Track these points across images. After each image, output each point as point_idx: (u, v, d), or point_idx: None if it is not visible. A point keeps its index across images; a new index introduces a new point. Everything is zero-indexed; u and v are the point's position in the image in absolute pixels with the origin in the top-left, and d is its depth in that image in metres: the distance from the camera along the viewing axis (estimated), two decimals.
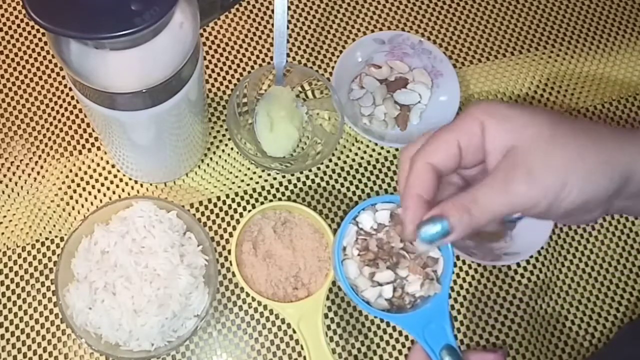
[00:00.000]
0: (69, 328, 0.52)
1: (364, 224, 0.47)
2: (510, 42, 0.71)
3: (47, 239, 0.60)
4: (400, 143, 0.63)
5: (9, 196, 0.61)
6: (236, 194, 0.62)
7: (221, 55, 0.68)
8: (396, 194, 0.63)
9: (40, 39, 0.67)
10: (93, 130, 0.63)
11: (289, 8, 0.70)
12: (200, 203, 0.62)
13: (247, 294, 0.59)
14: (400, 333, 0.59)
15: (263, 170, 0.63)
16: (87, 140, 0.63)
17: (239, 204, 0.62)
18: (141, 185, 0.62)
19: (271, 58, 0.68)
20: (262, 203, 0.62)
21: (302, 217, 0.58)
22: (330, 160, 0.64)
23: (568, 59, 0.70)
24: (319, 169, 0.64)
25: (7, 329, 0.57)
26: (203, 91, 0.53)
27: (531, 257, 0.61)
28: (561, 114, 0.37)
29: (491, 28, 0.71)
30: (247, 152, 0.60)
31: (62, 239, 0.60)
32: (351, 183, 0.64)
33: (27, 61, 0.66)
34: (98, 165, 0.62)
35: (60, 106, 0.64)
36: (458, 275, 0.61)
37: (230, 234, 0.61)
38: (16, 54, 0.66)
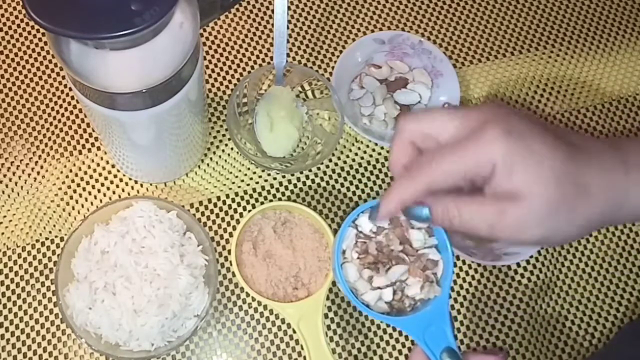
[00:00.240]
0: (69, 328, 0.52)
1: (363, 227, 0.47)
2: (510, 42, 0.71)
3: (47, 239, 0.60)
4: None
5: (9, 196, 0.61)
6: (236, 194, 0.62)
7: (221, 55, 0.68)
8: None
9: (40, 39, 0.67)
10: (93, 130, 0.63)
11: (289, 8, 0.70)
12: (200, 203, 0.62)
13: (247, 294, 0.59)
14: (400, 333, 0.59)
15: (263, 170, 0.63)
16: (87, 140, 0.63)
17: (239, 204, 0.62)
18: (141, 185, 0.62)
19: (271, 58, 0.68)
20: (262, 203, 0.62)
21: (302, 217, 0.58)
22: (330, 160, 0.64)
23: (568, 59, 0.71)
24: (319, 169, 0.64)
25: (7, 329, 0.57)
26: (203, 91, 0.53)
27: (531, 257, 0.61)
28: (569, 154, 0.36)
29: (491, 28, 0.71)
30: (247, 152, 0.60)
31: (62, 239, 0.60)
32: (351, 183, 0.64)
33: (27, 61, 0.66)
34: (98, 165, 0.62)
35: (60, 106, 0.64)
36: (458, 276, 0.61)
37: (230, 234, 0.61)
38: (16, 54, 0.66)
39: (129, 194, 0.62)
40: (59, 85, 0.65)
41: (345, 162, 0.64)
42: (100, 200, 0.61)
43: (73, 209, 0.61)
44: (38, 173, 0.62)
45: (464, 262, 0.61)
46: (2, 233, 0.59)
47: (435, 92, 0.66)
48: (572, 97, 0.69)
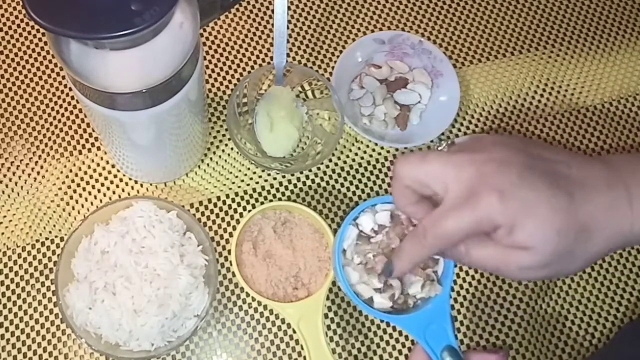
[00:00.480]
0: (69, 328, 0.52)
1: (364, 226, 0.47)
2: (510, 42, 0.71)
3: (47, 239, 0.60)
4: (400, 143, 0.63)
5: (9, 196, 0.61)
6: (236, 194, 0.62)
7: (221, 55, 0.68)
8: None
9: (40, 39, 0.67)
10: (93, 130, 0.63)
11: (289, 8, 0.70)
12: (200, 203, 0.62)
13: (247, 294, 0.59)
14: (400, 333, 0.59)
15: (263, 170, 0.63)
16: (87, 140, 0.63)
17: (239, 204, 0.62)
18: (141, 185, 0.62)
19: (271, 58, 0.68)
20: (262, 203, 0.62)
21: (302, 217, 0.58)
22: (330, 160, 0.64)
23: (568, 59, 0.70)
24: (319, 169, 0.64)
25: (7, 329, 0.57)
26: (203, 91, 0.53)
27: None
28: (569, 201, 0.37)
29: (491, 28, 0.71)
30: (247, 152, 0.60)
31: (62, 239, 0.60)
32: (351, 183, 0.64)
33: (27, 61, 0.66)
34: (98, 165, 0.62)
35: (60, 106, 0.64)
36: (458, 276, 0.61)
37: (230, 234, 0.61)
38: (16, 54, 0.66)
39: (129, 194, 0.62)
40: (59, 85, 0.65)
41: (345, 162, 0.64)
42: (100, 200, 0.61)
43: (73, 209, 0.61)
44: (38, 173, 0.62)
45: None
46: (2, 233, 0.59)
47: (435, 92, 0.66)
48: (572, 96, 0.69)
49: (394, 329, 0.59)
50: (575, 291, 0.61)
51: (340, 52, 0.68)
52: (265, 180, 0.63)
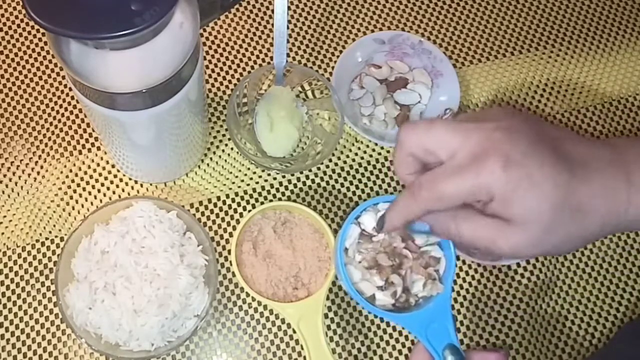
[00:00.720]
0: (69, 328, 0.52)
1: (366, 225, 0.47)
2: (510, 42, 0.71)
3: (47, 239, 0.60)
4: None
5: (9, 196, 0.61)
6: (236, 194, 0.62)
7: (221, 55, 0.68)
8: (397, 194, 0.63)
9: (40, 39, 0.67)
10: (93, 130, 0.63)
11: (289, 8, 0.70)
12: (200, 203, 0.62)
13: (247, 294, 0.59)
14: (400, 333, 0.59)
15: (263, 170, 0.63)
16: (87, 140, 0.63)
17: (239, 204, 0.62)
18: (141, 185, 0.62)
19: (271, 58, 0.68)
20: (262, 203, 0.62)
21: (302, 217, 0.58)
22: (330, 160, 0.64)
23: (568, 59, 0.70)
24: (319, 169, 0.64)
25: (7, 329, 0.57)
26: (203, 91, 0.53)
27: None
28: (569, 177, 0.36)
29: (491, 28, 0.71)
30: (247, 152, 0.60)
31: (62, 239, 0.60)
32: (351, 183, 0.64)
33: (27, 61, 0.66)
34: (98, 165, 0.62)
35: (60, 106, 0.64)
36: (458, 275, 0.61)
37: (230, 234, 0.61)
38: (16, 54, 0.66)
39: (129, 194, 0.62)
40: (59, 85, 0.65)
41: (345, 162, 0.64)
42: (100, 200, 0.61)
43: (73, 209, 0.61)
44: (38, 173, 0.62)
45: (464, 262, 0.61)
46: (2, 233, 0.59)
47: (435, 92, 0.66)
48: (572, 97, 0.69)
49: (394, 329, 0.59)
50: (575, 291, 0.61)
51: (340, 52, 0.68)
52: (265, 180, 0.63)
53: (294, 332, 0.58)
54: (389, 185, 0.64)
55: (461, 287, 0.60)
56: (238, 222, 0.61)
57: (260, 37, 0.69)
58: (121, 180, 0.62)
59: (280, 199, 0.62)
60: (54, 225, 0.60)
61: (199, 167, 0.63)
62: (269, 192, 0.63)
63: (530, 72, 0.69)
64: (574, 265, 0.62)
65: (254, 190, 0.63)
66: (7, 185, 0.61)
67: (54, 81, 0.65)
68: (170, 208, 0.56)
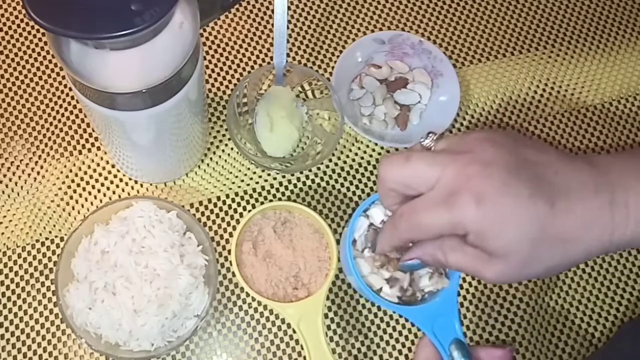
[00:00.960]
0: (69, 328, 0.52)
1: (375, 218, 0.47)
2: (510, 42, 0.71)
3: (47, 239, 0.60)
4: (400, 143, 0.63)
5: (9, 196, 0.61)
6: (236, 194, 0.62)
7: (221, 55, 0.68)
8: None
9: (40, 39, 0.67)
10: (93, 130, 0.63)
11: (289, 8, 0.70)
12: (200, 203, 0.62)
13: (247, 294, 0.59)
14: (400, 333, 0.59)
15: (263, 170, 0.63)
16: (87, 140, 0.63)
17: (239, 204, 0.62)
18: (141, 185, 0.62)
19: (271, 58, 0.68)
20: (262, 203, 0.62)
21: (302, 217, 0.58)
22: (330, 160, 0.64)
23: (568, 59, 0.70)
24: (319, 169, 0.64)
25: (7, 329, 0.57)
26: (203, 91, 0.53)
27: None
28: (547, 209, 0.36)
29: (491, 28, 0.71)
30: (247, 152, 0.60)
31: (62, 239, 0.60)
32: (351, 183, 0.64)
33: (27, 61, 0.66)
34: (98, 165, 0.62)
35: (60, 106, 0.64)
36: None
37: (230, 234, 0.61)
38: (16, 54, 0.66)
39: (129, 194, 0.62)
40: (59, 85, 0.65)
41: (345, 162, 0.64)
42: (100, 200, 0.61)
43: (73, 209, 0.61)
44: (38, 173, 0.62)
45: None
46: (2, 233, 0.59)
47: (435, 92, 0.66)
48: (572, 97, 0.69)
49: (394, 329, 0.59)
50: (576, 291, 0.61)
51: (340, 52, 0.68)
52: (265, 180, 0.63)
53: (294, 332, 0.58)
54: None
55: (461, 286, 0.60)
56: (238, 222, 0.61)
57: (260, 37, 0.69)
58: (121, 180, 0.62)
59: (280, 199, 0.62)
60: (54, 225, 0.60)
61: (199, 167, 0.63)
62: (269, 192, 0.63)
63: (530, 72, 0.69)
64: None
65: (254, 190, 0.63)
66: (7, 185, 0.61)
67: (54, 81, 0.65)
68: (170, 208, 0.56)
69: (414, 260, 0.42)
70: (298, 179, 0.63)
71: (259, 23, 0.69)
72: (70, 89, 0.65)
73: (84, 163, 0.62)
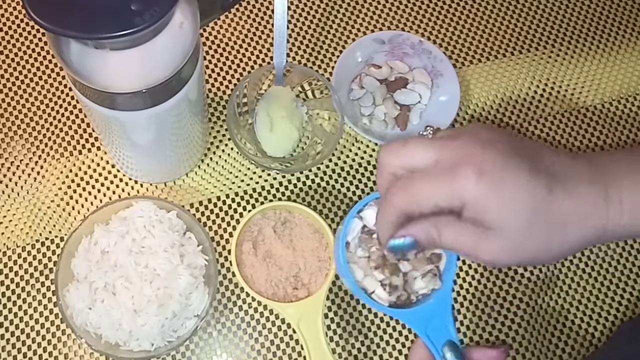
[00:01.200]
0: (69, 328, 0.52)
1: (368, 220, 0.47)
2: (510, 42, 0.71)
3: (47, 239, 0.60)
4: None
5: (9, 196, 0.61)
6: (236, 194, 0.62)
7: (221, 55, 0.68)
8: None
9: (40, 39, 0.67)
10: (93, 130, 0.63)
11: (289, 8, 0.70)
12: (200, 203, 0.62)
13: (247, 294, 0.59)
14: (400, 333, 0.59)
15: (263, 170, 0.63)
16: (87, 140, 0.63)
17: (239, 204, 0.62)
18: (141, 185, 0.62)
19: (271, 58, 0.68)
20: (262, 203, 0.62)
21: (302, 217, 0.58)
22: (330, 160, 0.64)
23: (568, 59, 0.71)
24: (319, 169, 0.64)
25: (7, 329, 0.57)
26: (203, 91, 0.53)
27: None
28: (544, 191, 0.37)
29: (491, 28, 0.71)
30: (247, 152, 0.60)
31: (62, 239, 0.60)
32: (351, 183, 0.64)
33: (27, 61, 0.66)
34: (98, 165, 0.62)
35: (60, 106, 0.64)
36: (458, 275, 0.61)
37: (230, 234, 0.61)
38: (16, 54, 0.66)
39: (129, 194, 0.62)
40: (59, 85, 0.65)
41: (345, 162, 0.64)
42: (100, 200, 0.61)
43: (73, 209, 0.61)
44: (38, 173, 0.62)
45: (464, 261, 0.61)
46: (2, 233, 0.59)
47: (435, 92, 0.66)
48: (572, 97, 0.69)
49: (394, 329, 0.59)
50: (576, 291, 0.61)
51: (340, 52, 0.68)
52: (265, 180, 0.63)
53: (294, 332, 0.58)
54: None
55: (461, 286, 0.60)
56: (238, 222, 0.61)
57: (260, 37, 0.69)
58: (121, 180, 0.62)
59: (280, 199, 0.62)
60: (54, 225, 0.60)
61: (199, 167, 0.63)
62: (269, 192, 0.63)
63: (530, 72, 0.69)
64: (574, 264, 0.62)
65: (254, 190, 0.63)
66: (7, 185, 0.61)
67: (54, 81, 0.65)
68: (170, 208, 0.56)
69: (405, 238, 0.41)
70: (298, 179, 0.63)
71: (259, 23, 0.69)
72: (70, 89, 0.65)
73: (84, 163, 0.62)
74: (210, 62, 0.67)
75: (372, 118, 0.65)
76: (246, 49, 0.68)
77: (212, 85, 0.67)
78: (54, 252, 0.59)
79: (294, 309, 0.54)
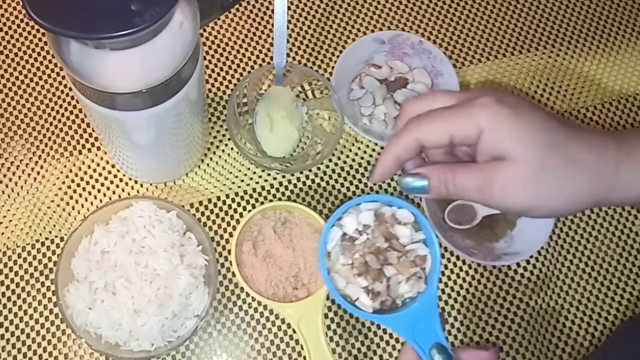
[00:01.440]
0: (69, 328, 0.52)
1: (347, 228, 0.46)
2: (510, 42, 0.71)
3: (47, 239, 0.60)
4: None
5: (9, 196, 0.61)
6: (236, 194, 0.62)
7: (221, 55, 0.68)
8: (396, 194, 0.63)
9: (40, 39, 0.67)
10: (93, 130, 0.63)
11: (289, 8, 0.70)
12: (200, 203, 0.62)
13: (247, 294, 0.59)
14: None
15: (263, 170, 0.63)
16: (87, 140, 0.63)
17: (239, 204, 0.62)
18: (141, 185, 0.62)
19: (271, 58, 0.68)
20: (262, 203, 0.62)
21: (302, 217, 0.58)
22: (330, 160, 0.64)
23: (568, 59, 0.71)
24: (319, 169, 0.64)
25: (7, 329, 0.57)
26: (203, 91, 0.53)
27: (531, 257, 0.61)
28: (559, 127, 0.38)
29: (491, 28, 0.71)
30: (247, 152, 0.60)
31: (62, 239, 0.60)
32: (351, 183, 0.64)
33: (27, 61, 0.66)
34: (98, 165, 0.62)
35: (60, 106, 0.64)
36: (458, 275, 0.61)
37: (230, 234, 0.61)
38: (16, 54, 0.66)
39: (129, 194, 0.62)
40: (59, 85, 0.65)
41: (345, 162, 0.64)
42: (100, 200, 0.61)
43: (73, 209, 0.61)
44: (38, 173, 0.62)
45: (464, 261, 0.61)
46: (2, 233, 0.59)
47: None
48: (572, 96, 0.69)
49: None
50: (575, 291, 0.61)
51: (340, 52, 0.68)
52: (265, 180, 0.63)
53: (294, 332, 0.58)
54: (388, 185, 0.64)
55: (461, 287, 0.60)
56: (238, 222, 0.61)
57: (260, 37, 0.69)
58: (121, 180, 0.62)
59: (280, 199, 0.62)
60: (54, 225, 0.60)
61: (199, 167, 0.63)
62: (269, 192, 0.63)
63: (530, 72, 0.69)
64: (573, 265, 0.62)
65: (254, 190, 0.63)
66: (7, 185, 0.61)
67: (54, 81, 0.65)
68: (170, 208, 0.56)
69: (419, 177, 0.40)
70: (298, 179, 0.63)
71: (259, 23, 0.69)
72: (70, 89, 0.65)
73: (84, 163, 0.62)
74: (210, 62, 0.67)
75: (372, 118, 0.65)
76: (246, 49, 0.68)
77: (212, 85, 0.67)
78: (54, 252, 0.59)
79: (294, 309, 0.54)
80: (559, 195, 0.37)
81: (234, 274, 0.59)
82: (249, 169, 0.63)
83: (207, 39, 0.68)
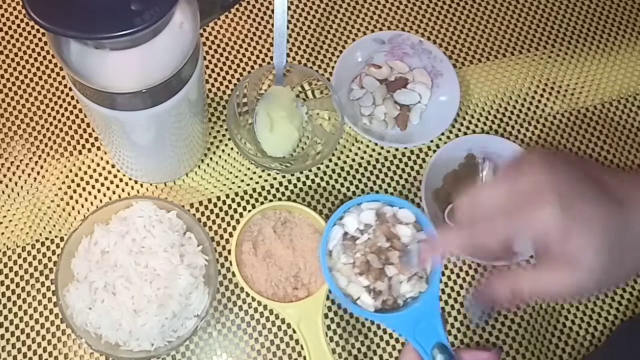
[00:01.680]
0: (69, 328, 0.52)
1: (349, 227, 0.46)
2: (510, 42, 0.71)
3: (47, 239, 0.60)
4: (400, 143, 0.63)
5: (9, 196, 0.61)
6: (236, 194, 0.62)
7: (221, 55, 0.68)
8: (396, 194, 0.63)
9: (40, 39, 0.67)
10: (93, 130, 0.63)
11: (289, 8, 0.70)
12: (200, 203, 0.62)
13: (247, 294, 0.59)
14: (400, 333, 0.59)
15: (263, 170, 0.63)
16: (87, 140, 0.63)
17: (239, 204, 0.62)
18: (141, 185, 0.62)
19: (271, 58, 0.68)
20: (262, 203, 0.62)
21: (302, 217, 0.58)
22: (330, 160, 0.64)
23: (568, 59, 0.70)
24: (319, 169, 0.64)
25: (7, 329, 0.57)
26: (203, 91, 0.53)
27: (531, 257, 0.61)
28: (613, 216, 0.37)
29: (491, 28, 0.71)
30: (247, 152, 0.60)
31: (62, 239, 0.60)
32: (351, 183, 0.64)
33: (27, 61, 0.66)
34: (98, 165, 0.62)
35: (60, 106, 0.64)
36: (458, 275, 0.61)
37: (230, 234, 0.61)
38: (16, 54, 0.66)
39: (129, 194, 0.62)
40: (59, 85, 0.65)
41: (345, 162, 0.64)
42: (100, 200, 0.61)
43: (73, 209, 0.61)
44: (38, 173, 0.62)
45: (464, 262, 0.61)
46: (2, 233, 0.59)
47: (435, 92, 0.66)
48: (572, 97, 0.69)
49: None
50: None
51: (340, 52, 0.68)
52: (265, 180, 0.63)
53: (294, 332, 0.58)
54: (388, 185, 0.64)
55: (461, 286, 0.60)
56: (238, 222, 0.61)
57: (260, 37, 0.69)
58: (121, 180, 0.62)
59: (280, 199, 0.62)
60: (54, 225, 0.60)
61: (199, 167, 0.63)
62: (269, 192, 0.63)
63: (530, 72, 0.69)
64: None
65: (254, 190, 0.63)
66: (7, 185, 0.61)
67: (54, 81, 0.65)
68: (170, 208, 0.56)
69: (485, 303, 0.40)
70: (298, 179, 0.63)
71: (259, 23, 0.69)
72: (70, 89, 0.65)
73: (84, 163, 0.62)
74: (210, 62, 0.67)
75: (372, 118, 0.65)
76: (246, 49, 0.68)
77: (212, 85, 0.67)
78: (54, 252, 0.59)
79: (294, 309, 0.54)
80: (621, 278, 0.39)
81: (234, 274, 0.59)
82: (249, 169, 0.63)
83: (207, 39, 0.68)
